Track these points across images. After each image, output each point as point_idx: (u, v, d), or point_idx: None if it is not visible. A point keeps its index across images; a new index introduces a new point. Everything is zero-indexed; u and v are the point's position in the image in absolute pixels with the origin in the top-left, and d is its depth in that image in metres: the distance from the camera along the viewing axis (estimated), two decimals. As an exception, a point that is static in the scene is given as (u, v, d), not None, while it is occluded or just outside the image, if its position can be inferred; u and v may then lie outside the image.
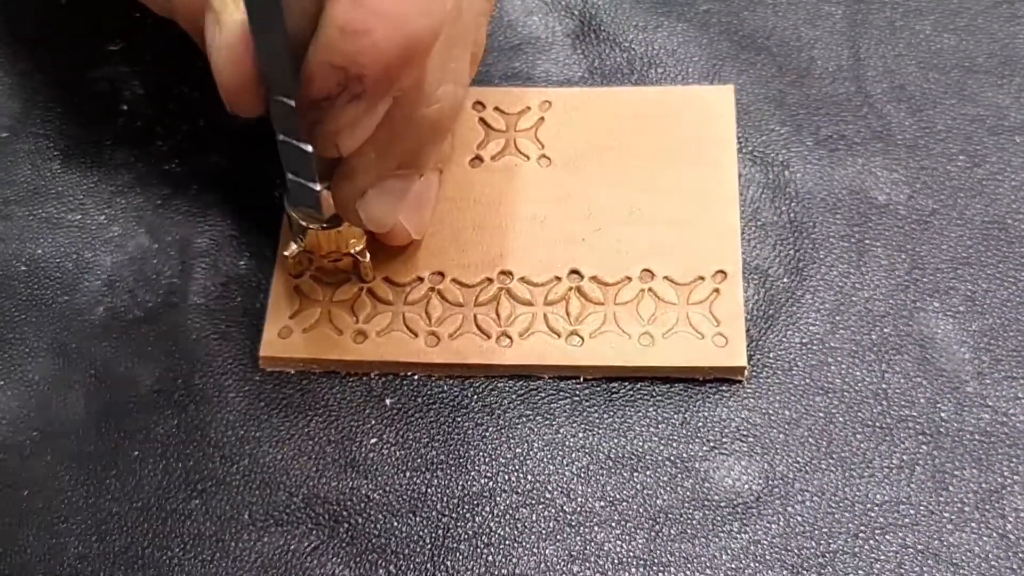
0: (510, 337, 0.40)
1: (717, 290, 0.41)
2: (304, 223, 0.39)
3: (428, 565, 0.38)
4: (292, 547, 0.38)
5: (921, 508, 0.38)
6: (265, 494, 0.39)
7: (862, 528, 0.38)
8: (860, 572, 0.37)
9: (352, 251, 0.40)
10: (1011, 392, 0.39)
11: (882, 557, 0.37)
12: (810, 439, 0.39)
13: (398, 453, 0.39)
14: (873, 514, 0.38)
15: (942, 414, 0.39)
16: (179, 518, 0.38)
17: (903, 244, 0.42)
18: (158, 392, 0.40)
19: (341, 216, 0.38)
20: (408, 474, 0.39)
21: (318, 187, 0.37)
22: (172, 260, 0.43)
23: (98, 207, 0.44)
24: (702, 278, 0.41)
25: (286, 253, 0.40)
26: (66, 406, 0.40)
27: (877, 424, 0.39)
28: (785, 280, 0.42)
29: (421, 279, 0.41)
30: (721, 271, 0.41)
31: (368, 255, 0.40)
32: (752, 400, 0.40)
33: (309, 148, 0.35)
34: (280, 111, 0.35)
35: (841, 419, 0.39)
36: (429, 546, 0.38)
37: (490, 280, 0.41)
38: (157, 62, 0.47)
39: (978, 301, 0.41)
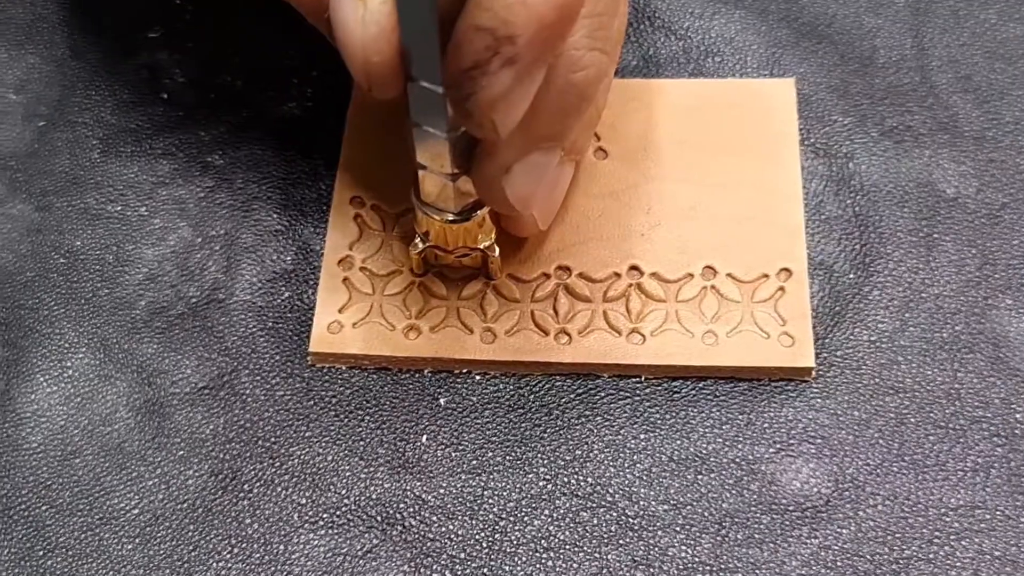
0: (569, 334, 0.39)
1: (782, 288, 0.39)
2: (435, 217, 0.37)
3: (485, 570, 0.36)
4: (344, 550, 0.36)
5: (997, 513, 0.36)
6: (315, 495, 0.37)
7: (936, 533, 0.36)
8: (936, 580, 0.35)
9: (482, 246, 0.38)
10: (1089, 393, 0.38)
11: (958, 564, 0.36)
12: (881, 440, 0.38)
13: (453, 454, 0.38)
14: (948, 519, 0.36)
15: (1017, 415, 0.38)
16: (226, 519, 0.37)
17: (973, 239, 0.41)
18: (203, 389, 0.39)
19: (484, 197, 0.37)
20: (463, 476, 0.37)
21: (458, 175, 0.35)
22: (216, 255, 0.41)
23: (139, 199, 0.42)
24: (766, 276, 0.40)
25: (412, 249, 0.39)
26: (108, 403, 0.39)
27: (950, 425, 0.38)
28: (851, 276, 0.40)
29: (476, 275, 0.40)
30: (786, 269, 0.40)
31: (497, 250, 0.39)
32: (820, 400, 0.38)
33: (450, 137, 0.34)
34: (420, 96, 0.33)
35: (913, 420, 0.38)
36: (486, 550, 0.36)
37: (547, 276, 0.40)
38: (197, 50, 0.45)
39: (1052, 299, 0.40)
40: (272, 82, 0.44)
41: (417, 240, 0.39)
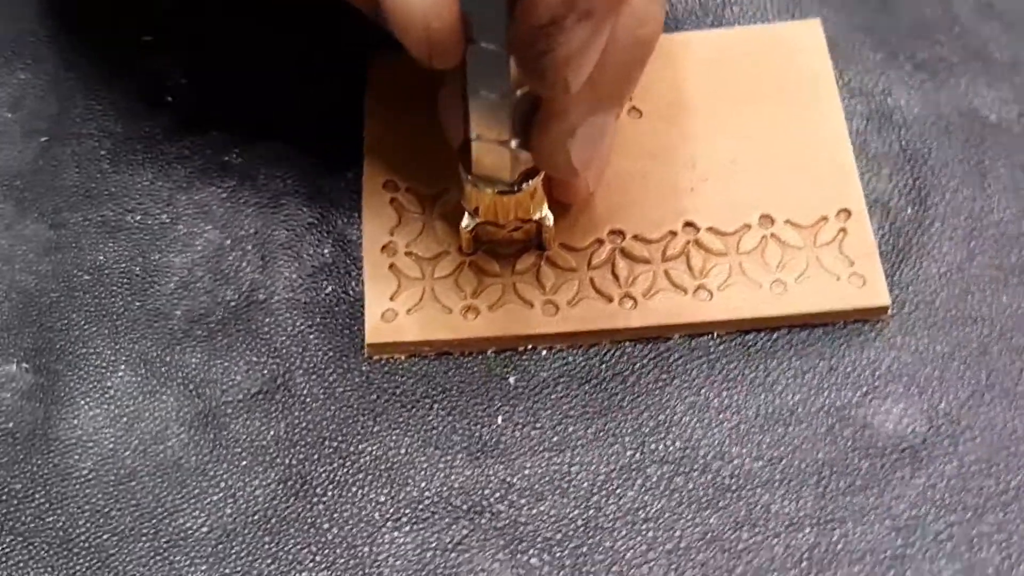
0: (633, 298, 0.38)
1: (844, 229, 0.38)
2: (488, 190, 0.35)
3: (584, 548, 0.34)
4: (433, 544, 0.35)
5: (1097, 433, 0.35)
6: (393, 491, 0.35)
7: (1041, 459, 0.35)
8: (1048, 506, 0.34)
9: (535, 217, 0.37)
10: None
11: (1067, 488, 0.35)
12: (967, 373, 0.37)
13: (532, 433, 0.36)
14: (1049, 443, 0.35)
15: (1099, 333, 0.37)
16: (303, 527, 0.35)
17: (1024, 162, 0.40)
18: (257, 395, 0.37)
19: (545, 163, 0.35)
20: (546, 454, 0.36)
21: (513, 144, 0.34)
22: (250, 255, 0.39)
23: (158, 206, 0.40)
24: (825, 218, 0.38)
25: (463, 227, 0.37)
26: (158, 420, 0.37)
27: (1034, 349, 0.37)
28: (909, 211, 0.39)
29: (527, 248, 0.38)
30: (845, 210, 0.39)
31: (552, 219, 0.37)
32: (899, 338, 0.37)
33: (510, 101, 0.32)
34: (480, 60, 0.32)
35: (996, 348, 0.37)
36: (582, 528, 0.35)
37: (600, 241, 0.39)
38: (195, 50, 0.43)
39: (1112, 214, 0.39)
40: (280, 73, 0.42)
41: (466, 217, 0.37)
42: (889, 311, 0.37)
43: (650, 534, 0.35)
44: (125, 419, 0.37)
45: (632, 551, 0.34)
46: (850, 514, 0.35)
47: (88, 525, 0.35)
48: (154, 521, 0.35)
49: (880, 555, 0.34)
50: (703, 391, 0.37)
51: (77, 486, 0.36)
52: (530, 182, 0.36)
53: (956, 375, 0.37)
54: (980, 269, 0.38)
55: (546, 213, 0.37)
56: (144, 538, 0.35)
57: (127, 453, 0.36)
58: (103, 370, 0.37)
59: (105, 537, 0.35)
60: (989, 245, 0.39)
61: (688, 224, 0.39)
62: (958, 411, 0.36)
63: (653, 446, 0.36)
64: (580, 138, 0.34)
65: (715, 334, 0.37)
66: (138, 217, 0.40)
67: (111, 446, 0.36)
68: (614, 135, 0.37)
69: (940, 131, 0.41)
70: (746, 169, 0.39)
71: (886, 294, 0.37)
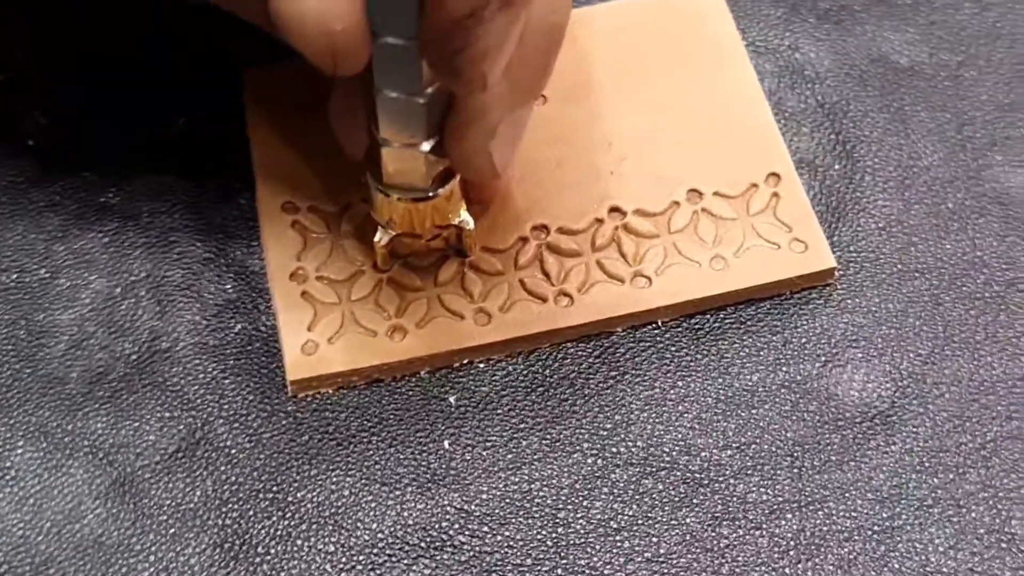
0: (568, 295, 0.35)
1: (776, 194, 0.36)
2: (401, 199, 0.33)
3: (559, 570, 0.32)
4: (395, 590, 0.32)
5: (1065, 371, 0.34)
6: (343, 538, 0.32)
7: (1013, 407, 0.34)
8: (1030, 454, 0.33)
9: (455, 221, 0.34)
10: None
11: (1045, 433, 0.33)
12: (924, 327, 0.35)
13: (483, 453, 0.33)
14: (1019, 390, 0.34)
15: (1048, 268, 0.36)
16: (249, 592, 0.32)
17: (943, 103, 0.39)
18: (176, 453, 0.34)
19: (464, 166, 0.32)
20: (502, 474, 0.33)
21: (427, 147, 0.31)
22: (145, 301, 0.36)
23: (34, 260, 0.36)
24: (755, 185, 0.37)
25: (377, 242, 0.34)
26: (69, 496, 0.33)
27: (987, 295, 0.36)
28: (837, 167, 0.38)
29: (447, 256, 0.36)
30: (773, 173, 0.37)
31: (472, 222, 0.34)
32: (849, 300, 0.35)
33: (422, 100, 0.30)
34: (387, 56, 0.29)
35: (948, 298, 0.35)
36: (553, 548, 0.32)
37: (524, 239, 0.36)
38: (52, 86, 0.39)
39: (1039, 144, 0.38)
40: (151, 100, 0.39)
41: (380, 231, 0.34)
42: (835, 273, 0.36)
43: (626, 544, 0.32)
44: (32, 500, 0.33)
45: (610, 565, 0.32)
46: (830, 492, 0.33)
47: (7, 625, 0.31)
48: (80, 608, 0.32)
49: (868, 531, 0.32)
50: (657, 383, 0.34)
51: (-12, 583, 0.32)
52: (446, 186, 0.33)
53: (913, 331, 0.35)
54: (919, 218, 0.37)
55: (465, 217, 0.34)
56: (72, 630, 0.31)
57: (39, 538, 0.32)
58: (-1, 450, 0.34)
59: (29, 636, 0.31)
60: (923, 193, 0.37)
61: (614, 209, 0.36)
62: (921, 368, 0.34)
63: (614, 449, 0.33)
64: (501, 138, 0.32)
65: (660, 322, 0.35)
66: (14, 276, 0.36)
67: (20, 533, 0.33)
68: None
69: (854, 81, 0.39)
70: (665, 144, 0.37)
71: (830, 256, 0.35)
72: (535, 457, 0.33)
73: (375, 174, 0.33)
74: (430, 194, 0.33)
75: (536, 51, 0.31)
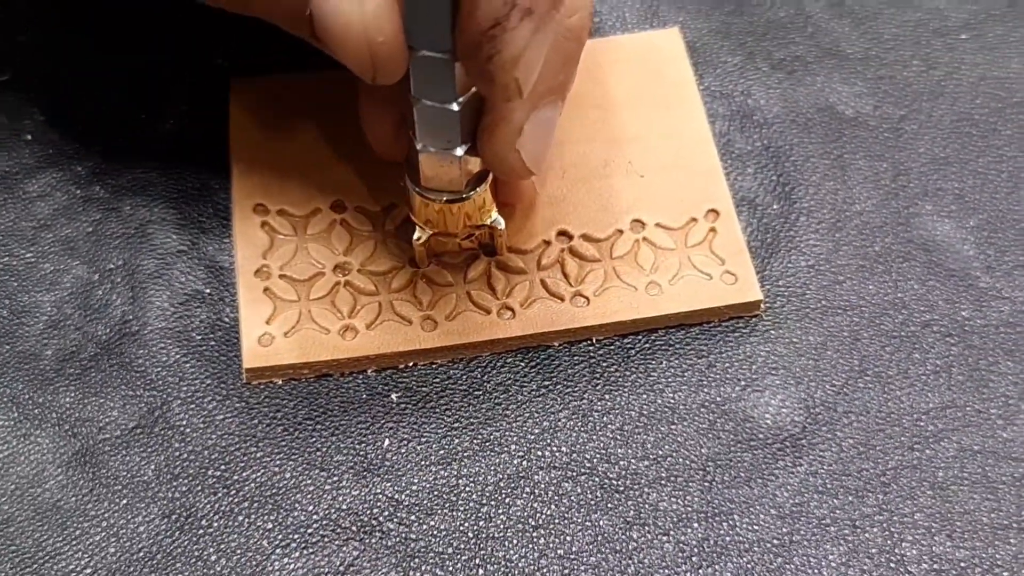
0: (511, 309, 0.38)
1: (713, 229, 0.39)
2: (437, 200, 0.35)
3: (476, 560, 0.34)
4: (324, 567, 0.34)
5: (968, 409, 0.37)
6: (280, 516, 0.35)
7: (916, 439, 0.36)
8: (925, 484, 0.35)
9: (487, 221, 0.37)
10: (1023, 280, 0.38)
11: (943, 464, 0.36)
12: (840, 360, 0.37)
13: (417, 448, 0.36)
14: (923, 423, 0.36)
15: (963, 313, 0.38)
16: (190, 560, 0.34)
17: (882, 153, 0.41)
18: (135, 429, 0.36)
19: (497, 166, 0.35)
20: (433, 468, 0.36)
21: (461, 151, 0.34)
22: (119, 287, 0.38)
23: (22, 246, 0.39)
24: (695, 219, 0.39)
25: (416, 240, 0.37)
26: (33, 463, 0.36)
27: (903, 333, 0.38)
28: (776, 207, 0.40)
29: (400, 265, 0.38)
30: (713, 210, 0.39)
31: (503, 223, 0.37)
32: (773, 331, 0.38)
33: (455, 107, 0.32)
34: (424, 69, 0.32)
35: (866, 335, 0.38)
36: (473, 540, 0.35)
37: (477, 256, 0.38)
38: (50, 85, 0.42)
39: (967, 197, 0.40)
40: (141, 102, 0.42)
41: (418, 230, 0.37)
42: (762, 306, 0.38)
43: (541, 541, 0.35)
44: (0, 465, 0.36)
45: (524, 559, 0.34)
46: (736, 506, 0.35)
47: (-35, 575, 0.34)
48: (35, 566, 0.34)
49: (767, 544, 0.35)
50: (586, 395, 0.37)
51: (-49, 536, 0.35)
52: (479, 188, 0.36)
53: (830, 363, 0.37)
54: (846, 259, 0.39)
55: (496, 217, 0.37)
56: (25, 583, 0.34)
57: (3, 499, 0.35)
58: (-27, 415, 0.36)
59: (-16, 586, 0.34)
60: (853, 235, 0.39)
61: (561, 233, 0.39)
62: (834, 398, 0.37)
63: (539, 452, 0.36)
64: (528, 136, 0.34)
65: (594, 339, 0.38)
66: (3, 259, 0.39)
67: (-14, 492, 0.35)
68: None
69: (800, 128, 0.41)
70: (615, 175, 0.40)
71: (757, 289, 0.38)
72: (465, 455, 0.36)
73: (413, 177, 0.35)
74: (464, 196, 0.35)
75: (557, 53, 0.33)
